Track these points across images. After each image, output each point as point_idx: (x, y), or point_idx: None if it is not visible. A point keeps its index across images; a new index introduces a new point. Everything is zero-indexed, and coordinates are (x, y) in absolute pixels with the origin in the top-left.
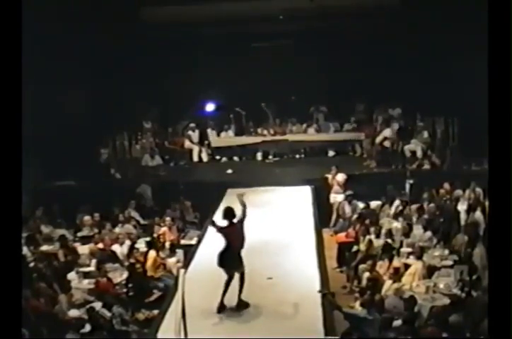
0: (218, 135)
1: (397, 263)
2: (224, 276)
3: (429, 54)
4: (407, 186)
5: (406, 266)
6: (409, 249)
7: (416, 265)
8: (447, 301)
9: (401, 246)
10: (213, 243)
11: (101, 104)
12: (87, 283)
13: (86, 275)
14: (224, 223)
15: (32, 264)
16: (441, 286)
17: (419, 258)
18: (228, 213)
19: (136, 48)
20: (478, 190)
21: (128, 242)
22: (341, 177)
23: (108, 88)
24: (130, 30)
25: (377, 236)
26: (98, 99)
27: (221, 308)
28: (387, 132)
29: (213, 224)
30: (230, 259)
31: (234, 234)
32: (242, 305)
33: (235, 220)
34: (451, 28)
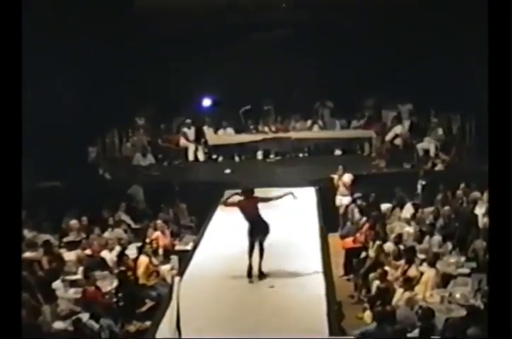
0: (216, 132)
1: (412, 270)
2: (222, 283)
3: (442, 45)
4: (420, 188)
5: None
6: (422, 256)
7: (428, 273)
8: (464, 312)
9: (414, 252)
10: (209, 248)
11: (89, 99)
12: (73, 292)
13: (73, 284)
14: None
15: None
16: (457, 296)
17: (432, 265)
18: (248, 192)
19: (127, 38)
20: None
21: (118, 248)
22: (347, 178)
23: (97, 82)
24: (122, 20)
25: (388, 241)
26: (86, 93)
27: (250, 273)
28: (398, 129)
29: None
30: (257, 227)
31: (247, 206)
32: (262, 275)
33: (254, 195)
34: (470, 19)
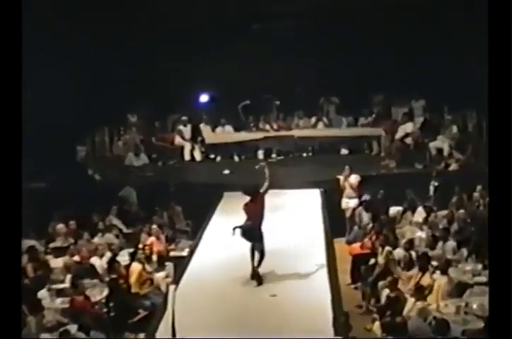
0: (214, 130)
1: (425, 279)
2: (221, 291)
3: (456, 38)
4: (432, 190)
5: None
6: (436, 263)
7: (439, 281)
8: (481, 324)
9: (428, 259)
10: (207, 254)
11: (78, 94)
12: (60, 302)
13: (60, 293)
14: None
15: None
16: (474, 306)
17: (444, 272)
18: (252, 189)
19: (121, 30)
20: None
21: (109, 254)
22: (354, 179)
23: (87, 76)
24: (114, 11)
25: (398, 247)
26: (75, 88)
27: (254, 276)
28: (408, 127)
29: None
30: (250, 232)
31: (254, 210)
32: (256, 278)
33: (261, 190)
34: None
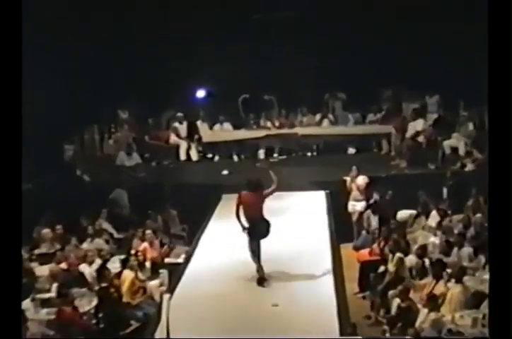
0: (211, 128)
1: (440, 287)
2: (219, 301)
3: (472, 27)
4: (446, 192)
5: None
6: (450, 270)
7: (452, 290)
8: None
9: (443, 266)
10: (204, 261)
11: (66, 88)
12: (46, 313)
13: (45, 303)
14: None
15: None
16: None
17: (458, 281)
18: (254, 184)
19: (112, 22)
20: None
21: (98, 261)
22: (362, 180)
23: (75, 69)
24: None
25: (409, 253)
26: (62, 82)
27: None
28: (419, 124)
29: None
30: (260, 229)
31: (254, 201)
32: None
33: (266, 191)
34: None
